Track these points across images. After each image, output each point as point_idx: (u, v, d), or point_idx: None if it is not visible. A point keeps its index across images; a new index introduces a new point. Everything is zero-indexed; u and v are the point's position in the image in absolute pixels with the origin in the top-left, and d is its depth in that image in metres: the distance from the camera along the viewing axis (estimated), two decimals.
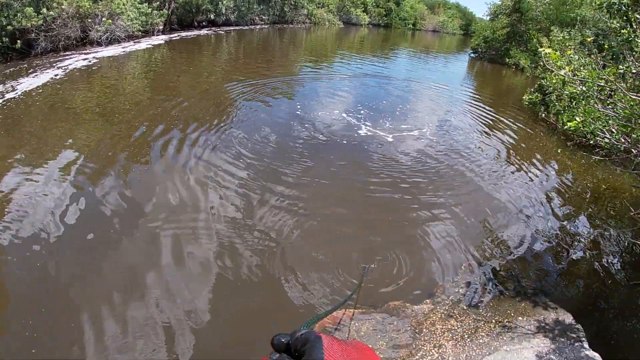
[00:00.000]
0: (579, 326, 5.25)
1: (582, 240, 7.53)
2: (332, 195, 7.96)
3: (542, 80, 15.21)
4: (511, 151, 11.91)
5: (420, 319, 5.15)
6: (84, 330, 4.46)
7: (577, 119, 5.91)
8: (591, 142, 10.28)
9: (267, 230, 6.49)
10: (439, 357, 4.62)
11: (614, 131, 5.83)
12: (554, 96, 13.96)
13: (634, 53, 5.21)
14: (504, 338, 4.97)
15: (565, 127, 6.38)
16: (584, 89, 6.21)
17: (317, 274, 5.65)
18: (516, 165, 10.78)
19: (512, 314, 5.40)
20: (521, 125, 14.75)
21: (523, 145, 12.62)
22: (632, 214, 7.70)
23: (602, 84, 5.92)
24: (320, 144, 10.47)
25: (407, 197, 8.22)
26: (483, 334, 5.01)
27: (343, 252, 6.25)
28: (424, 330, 4.99)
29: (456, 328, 5.07)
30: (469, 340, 4.90)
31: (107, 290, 5.03)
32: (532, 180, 9.92)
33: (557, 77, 6.77)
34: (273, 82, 16.27)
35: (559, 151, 11.97)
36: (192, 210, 6.81)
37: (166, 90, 13.09)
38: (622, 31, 5.30)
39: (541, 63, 15.12)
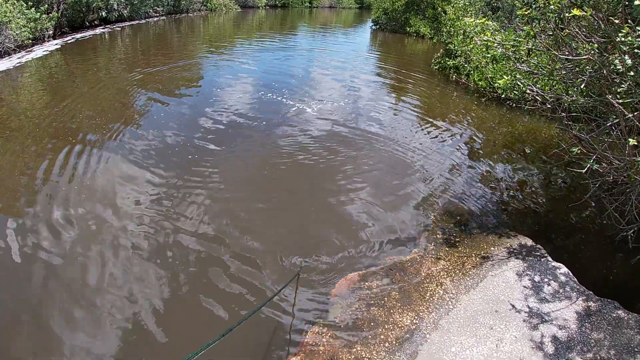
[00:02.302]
0: (538, 246, 6.36)
1: (514, 177, 8.82)
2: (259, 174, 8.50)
3: (449, 45, 16.54)
4: (432, 110, 13.08)
5: (416, 266, 5.96)
6: None
7: (505, 77, 6.94)
8: (502, 96, 11.82)
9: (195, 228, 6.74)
10: (444, 292, 5.46)
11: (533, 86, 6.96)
12: (462, 59, 15.32)
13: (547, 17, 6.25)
14: (487, 266, 5.94)
15: (495, 85, 7.51)
16: (503, 50, 7.26)
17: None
18: (437, 122, 11.96)
19: (485, 247, 6.40)
20: (435, 88, 16.03)
21: (440, 104, 13.83)
22: (556, 150, 9.06)
23: (516, 45, 7.03)
24: (235, 127, 10.96)
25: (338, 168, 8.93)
26: (470, 266, 5.94)
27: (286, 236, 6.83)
28: (423, 274, 5.80)
29: (448, 266, 5.95)
30: (461, 274, 5.80)
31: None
32: (457, 133, 11.16)
33: (480, 41, 7.89)
34: (175, 74, 16.14)
35: (473, 107, 13.35)
36: (111, 221, 6.85)
37: (65, 99, 12.45)
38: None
39: (444, 30, 16.53)
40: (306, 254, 6.18)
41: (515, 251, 6.21)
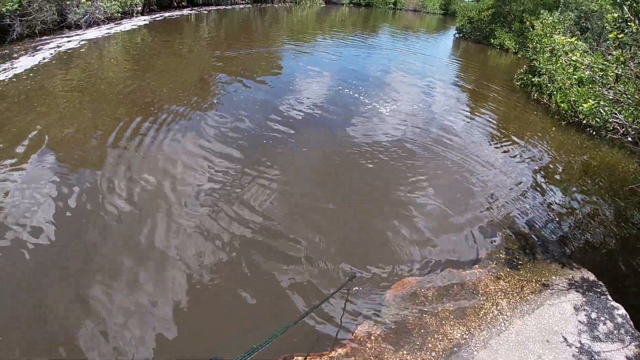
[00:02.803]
0: (600, 282, 6.29)
1: (586, 208, 8.62)
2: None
3: (534, 62, 15.97)
4: (509, 127, 12.82)
5: (475, 282, 6.08)
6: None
7: (591, 101, 6.78)
8: (584, 122, 11.41)
9: (263, 214, 7.10)
10: (498, 313, 5.57)
11: (619, 115, 6.76)
12: (546, 78, 14.80)
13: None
14: (545, 294, 5.97)
15: (580, 109, 7.33)
16: (590, 73, 7.08)
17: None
18: (513, 140, 11.76)
19: (547, 274, 6.40)
20: (515, 104, 15.60)
21: (517, 122, 13.49)
22: (632, 186, 8.76)
23: (604, 69, 6.83)
24: (309, 119, 11.24)
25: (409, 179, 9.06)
26: (528, 291, 6.00)
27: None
28: (480, 291, 5.93)
29: (506, 287, 6.04)
30: (518, 297, 5.87)
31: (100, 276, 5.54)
32: (532, 155, 10.93)
33: (567, 61, 7.70)
34: (256, 60, 16.55)
35: (552, 129, 12.96)
36: (177, 192, 7.36)
37: (147, 71, 13.19)
38: (630, 24, 6.11)
39: (530, 45, 15.99)
40: (366, 252, 6.43)
41: (576, 284, 6.19)
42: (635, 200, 8.59)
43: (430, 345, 5.00)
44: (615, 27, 6.31)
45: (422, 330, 5.18)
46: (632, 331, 5.39)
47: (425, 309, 5.49)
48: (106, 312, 4.96)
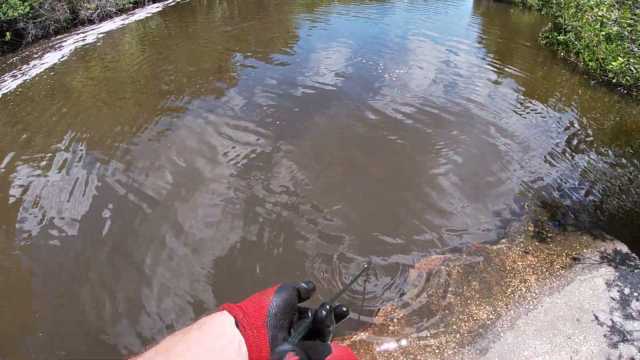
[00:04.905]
0: (634, 255, 6.03)
1: (620, 175, 8.19)
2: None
3: (559, 19, 15.15)
4: (535, 89, 12.25)
5: (502, 257, 5.91)
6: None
7: (620, 59, 6.36)
8: (613, 80, 10.78)
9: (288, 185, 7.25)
10: (527, 290, 5.41)
11: None
12: (572, 35, 14.04)
13: None
14: (576, 269, 5.76)
15: (609, 67, 6.86)
16: (618, 29, 6.63)
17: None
18: (539, 103, 11.18)
19: (578, 247, 6.16)
20: (540, 65, 14.91)
21: (544, 84, 12.86)
22: None
23: (633, 24, 6.36)
24: (328, 93, 10.98)
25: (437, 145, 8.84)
26: (558, 266, 5.80)
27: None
28: (507, 267, 5.76)
29: (535, 263, 5.84)
30: (547, 273, 5.69)
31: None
32: (559, 118, 10.40)
33: (593, 16, 7.22)
34: (272, 38, 16.12)
35: (581, 90, 12.33)
36: (195, 176, 7.51)
37: (163, 59, 13.06)
38: None
39: (554, 1, 15.11)
40: (391, 228, 6.32)
41: (608, 257, 5.95)
42: None
43: (454, 327, 4.91)
44: None
45: (446, 311, 5.08)
46: None
47: (450, 289, 5.38)
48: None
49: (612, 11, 6.82)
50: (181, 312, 5.09)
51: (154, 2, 21.59)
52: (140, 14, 19.57)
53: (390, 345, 4.65)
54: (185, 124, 9.08)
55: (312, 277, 5.45)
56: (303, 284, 0.99)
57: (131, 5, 19.68)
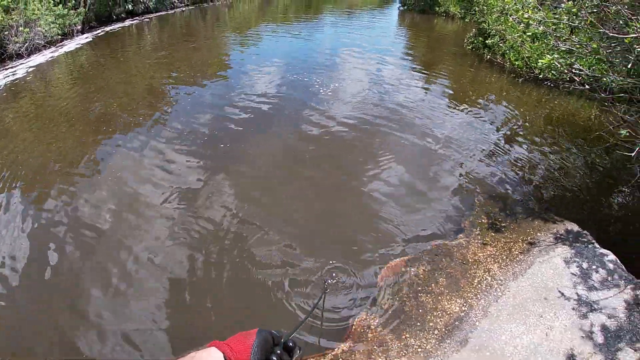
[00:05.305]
0: (585, 232, 6.29)
1: (555, 160, 8.67)
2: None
3: (483, 24, 16.06)
4: (466, 92, 12.83)
5: (463, 252, 6.00)
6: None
7: (548, 56, 6.77)
8: (540, 76, 11.55)
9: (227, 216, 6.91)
10: (492, 279, 5.50)
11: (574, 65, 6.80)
12: (497, 38, 14.91)
13: None
14: (534, 252, 5.93)
15: (537, 65, 7.35)
16: (544, 28, 7.09)
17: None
18: (472, 104, 11.73)
19: (532, 232, 6.37)
20: (468, 69, 15.66)
21: (474, 86, 13.50)
22: (599, 133, 8.84)
23: (557, 22, 6.85)
24: (263, 113, 10.94)
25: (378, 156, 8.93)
26: (517, 252, 5.95)
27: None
28: (470, 260, 5.84)
29: (494, 252, 5.97)
30: (508, 260, 5.82)
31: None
32: (493, 116, 10.95)
33: (518, 19, 7.72)
34: (203, 62, 16.13)
35: (510, 88, 13.06)
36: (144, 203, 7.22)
37: (94, 90, 12.69)
38: None
39: (477, 8, 16.07)
40: (347, 242, 6.29)
41: (562, 237, 6.17)
42: (602, 147, 8.66)
43: (431, 324, 4.88)
44: None
45: (421, 310, 5.06)
46: (626, 275, 5.39)
47: (419, 288, 5.38)
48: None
49: (536, 12, 7.26)
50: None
51: (83, 33, 21.14)
52: (70, 45, 18.99)
53: (372, 352, 4.56)
54: (121, 155, 8.68)
55: (268, 307, 5.22)
56: (275, 332, 1.18)
57: (60, 36, 19.09)
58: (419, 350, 4.57)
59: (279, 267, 5.82)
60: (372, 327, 4.86)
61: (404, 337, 4.72)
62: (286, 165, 8.48)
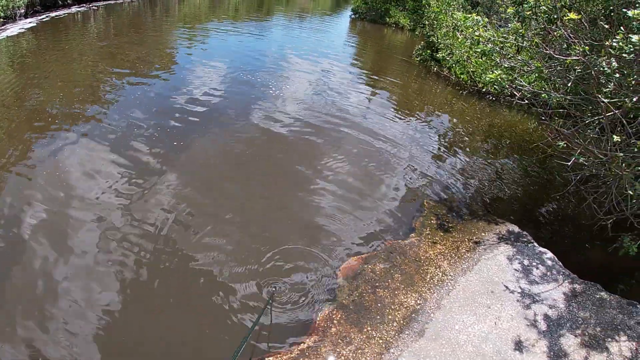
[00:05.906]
0: (525, 232, 6.84)
1: (496, 167, 9.30)
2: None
3: (432, 38, 16.70)
4: (412, 101, 13.35)
5: (415, 250, 6.35)
6: None
7: (495, 72, 7.29)
8: (483, 90, 12.31)
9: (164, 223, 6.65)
10: (443, 275, 5.87)
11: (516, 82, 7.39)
12: (446, 52, 15.61)
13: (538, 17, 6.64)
14: (480, 250, 6.38)
15: (481, 79, 7.89)
16: (492, 46, 7.64)
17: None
18: (417, 113, 12.26)
19: (476, 232, 6.84)
20: (415, 79, 16.21)
21: (419, 96, 14.03)
22: (538, 144, 9.56)
23: (504, 41, 7.43)
24: (207, 112, 10.80)
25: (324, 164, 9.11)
26: (464, 250, 6.38)
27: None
28: (422, 257, 6.20)
29: (444, 250, 6.37)
30: (457, 257, 6.22)
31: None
32: (437, 125, 11.56)
33: (469, 36, 8.30)
34: (149, 55, 15.67)
35: (454, 99, 13.76)
36: (78, 203, 6.88)
37: (35, 79, 12.02)
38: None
39: (427, 22, 16.76)
40: (303, 243, 6.42)
41: (504, 237, 6.67)
42: (538, 156, 9.38)
43: (390, 317, 5.15)
44: (513, 1, 6.84)
45: (379, 304, 5.32)
46: (563, 270, 5.93)
47: (377, 284, 5.64)
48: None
49: (486, 31, 7.77)
50: None
51: (27, 17, 20.00)
52: (13, 29, 17.85)
53: (337, 345, 4.76)
54: (60, 152, 8.19)
55: (217, 320, 5.12)
56: None
57: (1, 20, 18.00)
58: (381, 341, 4.82)
59: (228, 278, 5.74)
60: (335, 321, 5.06)
61: (365, 329, 4.95)
62: (230, 169, 8.42)
